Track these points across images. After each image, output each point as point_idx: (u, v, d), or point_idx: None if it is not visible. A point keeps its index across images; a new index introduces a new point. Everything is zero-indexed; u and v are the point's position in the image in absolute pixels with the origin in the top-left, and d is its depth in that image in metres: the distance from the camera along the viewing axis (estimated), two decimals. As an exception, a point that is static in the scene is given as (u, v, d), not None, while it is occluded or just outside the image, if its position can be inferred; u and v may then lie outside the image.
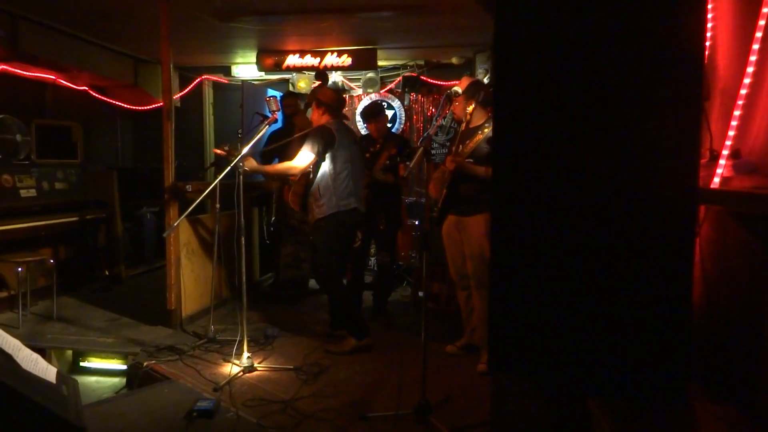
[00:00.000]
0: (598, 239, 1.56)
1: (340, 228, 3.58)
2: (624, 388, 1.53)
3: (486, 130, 3.11)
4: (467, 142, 3.15)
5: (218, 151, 3.52)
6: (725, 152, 1.83)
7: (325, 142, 3.49)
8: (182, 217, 3.40)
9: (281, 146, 4.07)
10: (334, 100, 3.77)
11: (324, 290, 4.03)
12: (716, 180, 1.83)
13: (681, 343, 1.47)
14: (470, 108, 3.12)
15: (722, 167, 1.82)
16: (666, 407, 1.61)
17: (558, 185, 1.62)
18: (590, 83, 1.57)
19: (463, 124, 3.19)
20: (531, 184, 1.67)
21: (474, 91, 3.16)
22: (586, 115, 1.58)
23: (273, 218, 5.13)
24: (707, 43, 1.89)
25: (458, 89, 3.09)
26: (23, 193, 4.64)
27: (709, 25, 2.02)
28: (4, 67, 5.19)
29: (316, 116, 3.74)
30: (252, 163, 3.42)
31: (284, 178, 3.97)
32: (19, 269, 4.25)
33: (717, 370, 1.88)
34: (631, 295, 1.52)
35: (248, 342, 3.35)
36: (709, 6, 1.99)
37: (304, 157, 3.45)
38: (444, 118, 3.17)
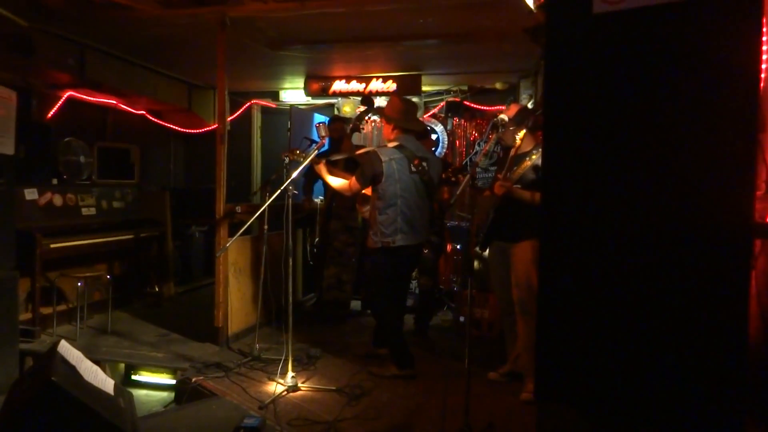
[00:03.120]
0: (650, 271, 1.56)
1: (391, 259, 3.48)
2: (677, 421, 1.51)
3: (534, 157, 3.13)
4: (515, 168, 3.17)
5: (290, 155, 3.64)
6: (782, 184, 1.80)
7: (372, 174, 3.44)
8: (235, 237, 3.53)
9: (331, 164, 4.09)
10: (402, 111, 3.52)
11: (372, 315, 4.00)
12: (773, 212, 1.80)
13: (737, 378, 1.44)
14: (521, 134, 3.15)
15: (779, 200, 1.79)
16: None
17: (609, 214, 1.63)
18: (642, 114, 1.59)
19: (513, 150, 3.21)
20: (581, 212, 1.68)
21: (523, 117, 3.19)
22: (638, 146, 1.59)
23: (317, 240, 5.24)
24: (762, 75, 1.87)
25: (504, 117, 3.13)
26: (84, 211, 4.91)
27: (765, 57, 2.01)
28: (72, 93, 5.54)
29: (386, 132, 3.62)
30: (321, 168, 3.64)
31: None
32: (79, 284, 4.47)
33: (776, 408, 1.82)
34: (685, 328, 1.51)
35: (292, 362, 3.42)
36: (765, 38, 1.98)
37: (353, 185, 3.53)
38: (488, 144, 3.20)
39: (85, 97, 5.73)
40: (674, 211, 1.52)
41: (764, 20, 1.57)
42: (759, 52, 1.50)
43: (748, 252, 1.50)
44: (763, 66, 1.96)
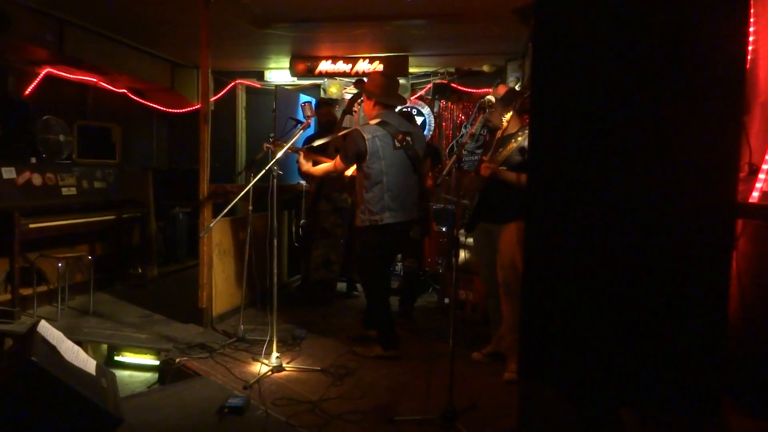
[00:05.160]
0: (633, 251, 1.56)
1: (379, 237, 3.46)
2: (657, 399, 1.53)
3: (519, 139, 3.12)
4: (501, 149, 3.17)
5: (272, 146, 3.58)
6: (765, 167, 1.81)
7: (356, 153, 3.40)
8: (218, 217, 3.48)
9: (317, 150, 4.05)
10: (383, 86, 3.48)
11: (364, 294, 3.98)
12: (755, 194, 1.82)
13: (716, 355, 1.46)
14: (508, 116, 3.13)
15: (762, 182, 1.80)
16: (699, 420, 1.61)
17: (593, 195, 1.63)
18: (628, 95, 1.58)
19: (499, 132, 3.21)
20: (566, 193, 1.68)
21: (511, 99, 3.18)
22: (623, 126, 1.59)
23: (302, 221, 5.21)
24: (748, 57, 1.88)
25: (491, 98, 3.11)
26: (65, 191, 4.81)
27: (751, 38, 2.01)
28: (51, 69, 5.40)
29: (367, 108, 3.56)
30: (301, 160, 3.61)
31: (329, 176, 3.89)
32: (59, 264, 4.40)
33: (753, 385, 1.86)
34: (666, 306, 1.52)
35: (277, 342, 3.41)
36: (751, 20, 1.98)
37: (336, 165, 3.52)
38: (475, 126, 3.18)
39: (64, 74, 5.59)
40: (659, 191, 1.53)
41: (751, 1, 1.57)
42: (746, 34, 1.50)
43: (730, 233, 1.51)
44: (749, 48, 1.96)
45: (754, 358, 1.87)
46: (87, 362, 2.61)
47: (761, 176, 1.81)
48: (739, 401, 1.85)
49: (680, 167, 1.51)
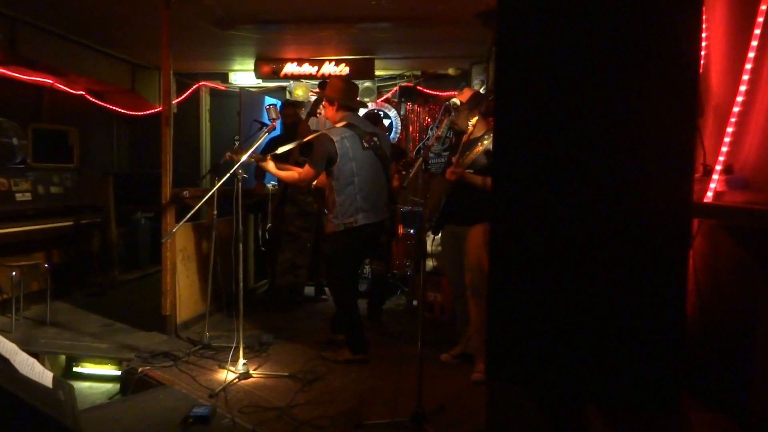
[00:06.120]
0: (593, 251, 1.59)
1: (353, 240, 3.43)
2: (619, 396, 1.56)
3: (486, 142, 3.16)
4: (467, 153, 3.19)
5: (233, 156, 3.51)
6: (718, 167, 1.87)
7: (326, 156, 3.35)
8: (181, 222, 3.40)
9: (280, 157, 3.97)
10: (343, 90, 3.49)
11: (333, 299, 3.94)
12: (709, 194, 1.88)
13: (675, 352, 1.50)
14: (473, 119, 3.16)
15: (715, 182, 1.87)
16: (660, 416, 1.65)
17: (555, 197, 1.66)
18: (586, 98, 1.61)
19: (465, 135, 3.23)
20: (529, 195, 1.71)
21: (476, 102, 3.21)
22: (582, 129, 1.62)
23: (268, 225, 5.14)
24: (701, 62, 1.94)
25: (457, 101, 3.14)
26: (19, 196, 4.63)
27: (703, 43, 2.08)
28: (2, 70, 5.19)
29: (330, 114, 3.54)
30: (269, 165, 3.51)
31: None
32: (13, 273, 4.23)
33: (709, 379, 1.92)
34: (627, 305, 1.55)
35: (243, 349, 3.36)
36: (703, 26, 2.05)
37: (307, 173, 3.45)
38: (441, 129, 3.20)
39: (17, 74, 5.37)
40: (618, 192, 1.56)
41: (704, 7, 1.62)
42: (699, 40, 1.55)
43: (686, 231, 1.55)
44: (702, 53, 2.03)
45: (710, 353, 1.93)
46: (43, 375, 2.51)
47: (715, 177, 1.88)
48: (696, 395, 1.91)
49: (638, 168, 1.54)
